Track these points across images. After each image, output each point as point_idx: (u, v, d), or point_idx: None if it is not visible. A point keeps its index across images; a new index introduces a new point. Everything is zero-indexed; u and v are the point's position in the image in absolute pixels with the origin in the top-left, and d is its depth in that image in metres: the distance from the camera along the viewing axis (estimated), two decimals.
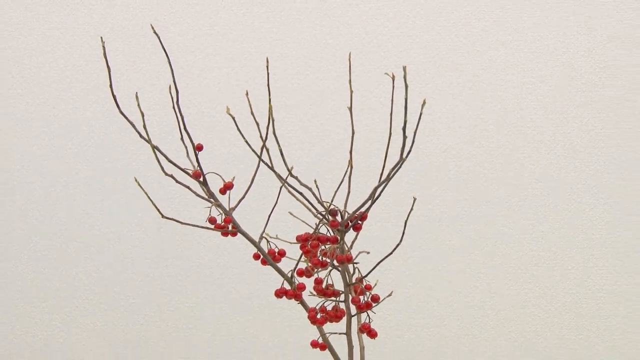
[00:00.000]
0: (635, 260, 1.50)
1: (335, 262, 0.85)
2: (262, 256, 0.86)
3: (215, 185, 0.86)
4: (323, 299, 0.87)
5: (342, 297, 0.87)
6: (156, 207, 0.88)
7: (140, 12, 1.45)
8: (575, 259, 1.51)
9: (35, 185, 1.52)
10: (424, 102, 0.84)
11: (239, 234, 0.86)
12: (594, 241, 1.53)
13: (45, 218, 1.51)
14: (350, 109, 0.88)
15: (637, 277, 1.51)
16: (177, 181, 0.85)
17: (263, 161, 0.85)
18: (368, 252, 0.86)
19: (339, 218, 0.85)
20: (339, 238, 0.84)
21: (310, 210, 0.85)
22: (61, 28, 1.49)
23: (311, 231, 0.85)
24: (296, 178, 0.83)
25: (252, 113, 0.85)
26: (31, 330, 1.58)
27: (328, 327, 0.88)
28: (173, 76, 0.86)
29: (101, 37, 0.90)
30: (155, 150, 0.84)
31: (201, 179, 0.85)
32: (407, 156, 0.84)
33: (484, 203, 1.47)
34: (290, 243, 0.86)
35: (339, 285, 0.86)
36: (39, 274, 1.54)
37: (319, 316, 0.87)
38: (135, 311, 1.50)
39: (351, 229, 0.85)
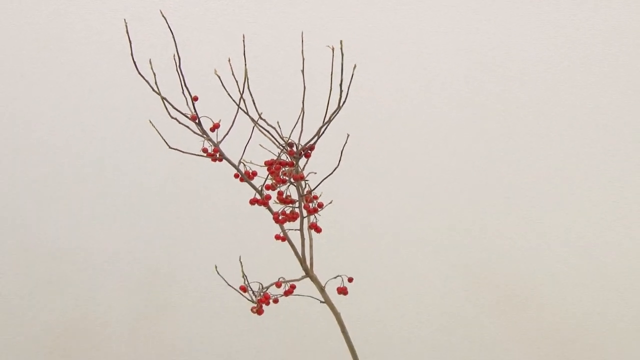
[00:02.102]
0: None
1: (292, 180, 0.91)
2: (240, 176, 0.92)
3: (207, 125, 0.92)
4: (283, 205, 0.92)
5: (297, 205, 0.92)
6: (165, 141, 0.94)
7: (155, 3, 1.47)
8: None
9: (79, 127, 1.53)
10: (355, 66, 0.88)
11: (224, 160, 0.91)
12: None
13: (86, 154, 1.51)
14: (303, 72, 0.92)
15: None
16: (179, 122, 0.91)
17: (240, 108, 0.89)
18: (315, 173, 0.91)
19: (295, 149, 0.90)
20: (295, 162, 0.90)
21: (274, 143, 0.90)
22: (96, 12, 1.49)
23: (275, 158, 0.91)
24: (264, 120, 0.89)
25: (232, 74, 0.91)
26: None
27: (287, 225, 0.93)
28: (176, 47, 0.92)
29: (125, 20, 0.97)
30: (164, 101, 0.89)
31: (197, 121, 0.91)
32: (342, 105, 0.89)
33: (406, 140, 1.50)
34: (260, 166, 0.91)
35: (295, 196, 0.93)
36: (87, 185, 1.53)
37: (280, 217, 0.92)
38: (151, 213, 1.53)
39: (303, 156, 0.91)
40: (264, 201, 0.91)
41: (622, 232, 1.47)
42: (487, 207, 1.47)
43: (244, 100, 0.88)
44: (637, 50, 1.45)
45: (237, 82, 0.88)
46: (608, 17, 1.45)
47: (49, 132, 1.48)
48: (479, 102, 1.48)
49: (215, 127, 0.91)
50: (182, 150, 0.93)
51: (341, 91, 0.87)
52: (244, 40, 0.94)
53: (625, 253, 1.48)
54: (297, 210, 0.91)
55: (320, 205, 0.92)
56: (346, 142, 0.92)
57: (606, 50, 1.44)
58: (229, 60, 0.92)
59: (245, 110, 0.88)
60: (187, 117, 0.89)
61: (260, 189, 0.91)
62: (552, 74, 1.48)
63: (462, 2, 1.48)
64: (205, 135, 0.90)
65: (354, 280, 0.95)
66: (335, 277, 0.95)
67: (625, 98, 1.46)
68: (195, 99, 0.89)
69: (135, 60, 0.90)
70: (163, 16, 0.91)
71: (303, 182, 0.90)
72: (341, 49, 0.86)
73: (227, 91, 0.88)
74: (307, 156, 0.90)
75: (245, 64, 0.90)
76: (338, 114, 0.89)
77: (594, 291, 1.49)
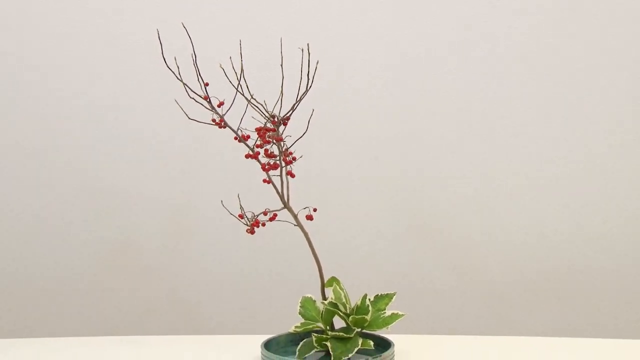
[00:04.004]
0: None
1: (274, 141, 0.93)
2: (238, 138, 0.93)
3: (215, 102, 0.92)
4: (268, 159, 0.95)
5: (278, 158, 0.94)
6: (185, 113, 0.95)
7: (176, 13, 1.44)
8: None
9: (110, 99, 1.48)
10: (317, 62, 0.90)
11: (227, 127, 0.93)
12: None
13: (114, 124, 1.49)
14: (282, 65, 0.93)
15: None
16: (196, 101, 0.92)
17: (238, 91, 0.91)
18: (290, 136, 0.94)
19: (276, 119, 0.92)
20: (276, 129, 0.93)
21: (262, 115, 0.92)
22: (123, 16, 1.46)
23: (263, 125, 0.93)
24: (255, 99, 0.91)
25: (232, 67, 0.91)
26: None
27: (271, 172, 0.95)
28: (193, 48, 0.94)
29: (157, 30, 0.98)
30: (185, 86, 0.91)
31: (208, 100, 0.92)
32: (308, 89, 0.91)
33: None
34: (252, 132, 0.93)
35: (276, 152, 0.94)
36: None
37: (266, 167, 0.95)
38: (177, 165, 1.49)
39: (282, 124, 0.93)
40: (255, 156, 0.93)
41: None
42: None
43: (240, 86, 0.91)
44: None
45: (236, 73, 0.91)
46: None
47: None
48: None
49: (220, 104, 0.92)
50: (198, 120, 0.94)
51: (308, 79, 0.91)
52: (240, 43, 0.96)
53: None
54: (278, 162, 0.93)
55: (294, 159, 0.94)
56: (312, 114, 0.95)
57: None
58: (231, 58, 0.94)
59: (242, 92, 0.91)
60: (201, 97, 0.92)
61: (252, 147, 0.93)
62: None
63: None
64: (213, 110, 0.92)
65: (317, 210, 0.96)
66: (304, 208, 0.95)
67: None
68: (207, 84, 0.91)
69: (165, 57, 0.93)
70: (184, 26, 0.96)
71: (282, 143, 0.93)
72: (308, 49, 0.91)
73: (228, 79, 0.91)
74: (285, 124, 0.93)
75: (242, 61, 0.92)
76: (306, 95, 0.91)
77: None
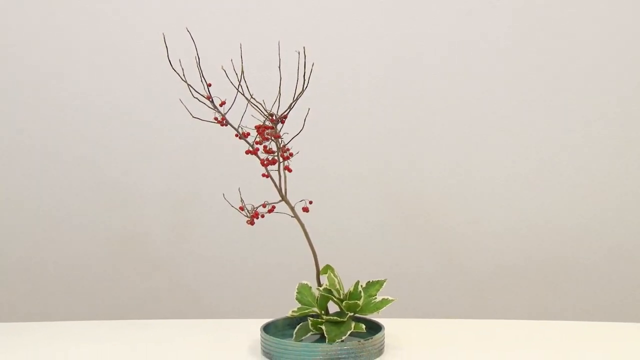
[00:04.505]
0: None
1: (272, 138, 0.94)
2: (239, 135, 0.94)
3: (217, 102, 0.94)
4: (267, 154, 0.95)
5: (276, 154, 0.95)
6: (189, 112, 0.96)
7: (181, 20, 1.45)
8: None
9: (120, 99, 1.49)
10: (313, 65, 0.91)
11: (228, 125, 0.94)
12: None
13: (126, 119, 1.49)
14: (279, 67, 0.95)
15: None
16: (199, 100, 0.93)
17: (239, 91, 0.92)
18: (287, 133, 0.95)
19: (274, 117, 0.93)
20: (274, 127, 0.94)
21: (261, 113, 0.93)
22: (134, 23, 1.46)
23: (262, 123, 0.93)
24: (255, 99, 0.92)
25: (234, 69, 0.92)
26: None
27: (270, 168, 0.95)
28: (197, 51, 0.95)
29: (163, 34, 0.97)
30: (189, 87, 0.92)
31: (210, 100, 0.93)
32: (304, 89, 0.92)
33: None
34: (252, 129, 0.94)
35: (275, 148, 0.95)
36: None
37: (265, 162, 0.95)
38: (182, 159, 1.49)
39: (280, 122, 0.94)
40: (254, 152, 0.94)
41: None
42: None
43: (241, 86, 0.91)
44: None
45: (236, 74, 0.92)
46: None
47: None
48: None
49: (222, 103, 0.93)
50: (201, 118, 0.95)
51: (304, 80, 0.92)
52: (240, 47, 0.98)
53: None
54: (276, 157, 0.94)
55: (291, 154, 0.95)
56: (308, 113, 0.95)
57: None
58: (232, 61, 0.95)
59: (242, 93, 0.91)
60: (204, 97, 0.92)
61: (252, 143, 0.94)
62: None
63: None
64: (216, 109, 0.93)
65: (313, 202, 0.97)
66: (300, 201, 0.96)
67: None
68: (209, 85, 0.92)
69: (170, 60, 0.93)
70: (188, 32, 0.97)
71: (280, 140, 0.94)
72: (304, 52, 0.92)
73: (230, 80, 0.92)
74: (282, 122, 0.94)
75: (242, 63, 0.93)
76: (302, 95, 0.92)
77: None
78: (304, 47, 0.91)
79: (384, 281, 0.98)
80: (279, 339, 0.91)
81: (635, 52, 1.38)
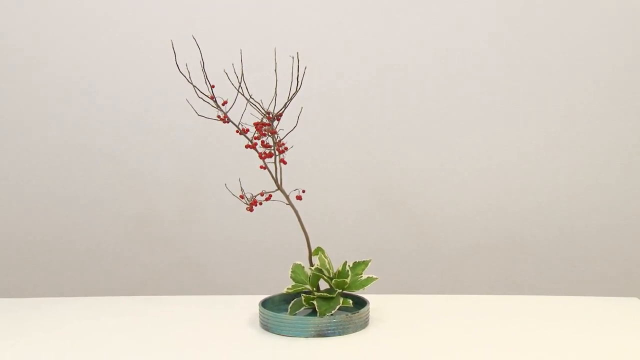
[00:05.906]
0: None
1: (269, 133, 0.94)
2: (239, 132, 0.94)
3: (220, 101, 0.93)
4: (264, 148, 0.95)
5: (272, 148, 0.95)
6: (195, 111, 0.98)
7: (188, 28, 1.39)
8: None
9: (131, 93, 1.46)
10: (305, 68, 0.92)
11: (229, 122, 0.93)
12: None
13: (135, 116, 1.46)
14: (275, 70, 0.95)
15: None
16: (204, 100, 0.94)
17: (239, 92, 0.92)
18: (282, 129, 0.95)
19: (271, 115, 0.93)
20: (271, 123, 0.94)
21: (260, 111, 0.93)
22: (147, 30, 1.42)
23: (259, 120, 0.93)
24: (253, 99, 0.93)
25: (234, 72, 0.94)
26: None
27: (267, 160, 0.96)
28: (201, 56, 0.95)
29: (172, 42, 0.97)
30: (195, 88, 0.93)
31: (214, 100, 0.93)
32: (298, 90, 0.92)
33: None
34: (251, 126, 0.94)
35: (271, 143, 0.94)
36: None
37: (263, 155, 0.95)
38: (187, 150, 1.44)
39: (276, 119, 0.94)
40: (253, 146, 0.96)
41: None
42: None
43: (241, 88, 0.93)
44: None
45: (237, 77, 0.93)
46: None
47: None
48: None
49: (224, 103, 0.94)
50: (206, 116, 0.96)
51: (298, 82, 0.93)
52: (241, 52, 1.00)
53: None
54: (272, 151, 0.96)
55: (286, 148, 0.97)
56: (301, 111, 0.97)
57: None
58: (233, 65, 0.97)
59: (242, 93, 0.93)
60: (208, 97, 0.93)
61: (251, 138, 0.95)
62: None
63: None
64: (218, 108, 0.94)
65: (305, 191, 0.97)
66: (294, 190, 0.97)
67: None
68: (213, 86, 0.93)
69: (178, 64, 0.94)
70: (194, 39, 0.99)
71: (276, 135, 0.95)
72: (298, 57, 0.93)
73: (231, 82, 0.94)
74: (278, 120, 0.95)
75: (242, 67, 0.95)
76: (296, 96, 0.93)
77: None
78: (297, 53, 0.93)
79: (369, 261, 0.98)
80: (275, 313, 0.92)
81: (608, 51, 1.31)
